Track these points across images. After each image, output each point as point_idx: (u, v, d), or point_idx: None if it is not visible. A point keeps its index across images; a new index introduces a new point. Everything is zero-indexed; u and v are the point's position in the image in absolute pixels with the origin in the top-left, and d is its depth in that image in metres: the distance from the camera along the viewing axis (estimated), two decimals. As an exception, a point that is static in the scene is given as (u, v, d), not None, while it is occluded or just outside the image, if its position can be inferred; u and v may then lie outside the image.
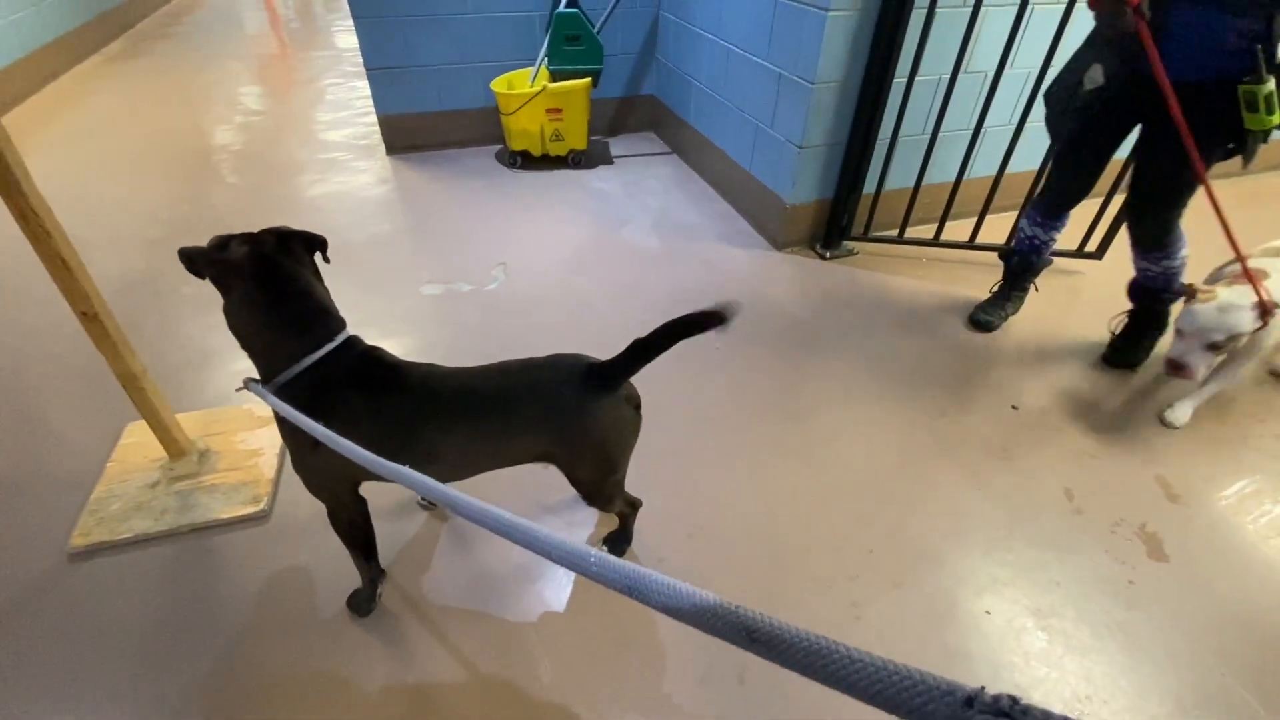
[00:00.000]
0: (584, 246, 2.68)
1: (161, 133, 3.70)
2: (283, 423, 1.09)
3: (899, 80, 2.24)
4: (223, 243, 1.04)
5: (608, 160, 3.44)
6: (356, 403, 1.04)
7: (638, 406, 1.16)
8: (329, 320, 1.08)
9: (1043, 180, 2.05)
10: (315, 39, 5.76)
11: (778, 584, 1.43)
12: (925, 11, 2.10)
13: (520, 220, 2.86)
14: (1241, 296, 1.60)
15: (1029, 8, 2.02)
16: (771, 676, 1.25)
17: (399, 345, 1.96)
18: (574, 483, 1.22)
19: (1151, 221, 1.80)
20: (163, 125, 3.81)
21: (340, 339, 1.07)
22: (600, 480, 1.22)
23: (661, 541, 1.48)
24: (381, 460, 0.74)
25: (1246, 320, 1.59)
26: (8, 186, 1.15)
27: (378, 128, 3.42)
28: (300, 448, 1.10)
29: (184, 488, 1.58)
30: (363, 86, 4.25)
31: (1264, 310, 1.59)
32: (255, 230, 1.07)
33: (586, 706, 1.21)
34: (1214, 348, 1.63)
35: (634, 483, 1.36)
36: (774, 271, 2.53)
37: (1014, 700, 0.32)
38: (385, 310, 2.26)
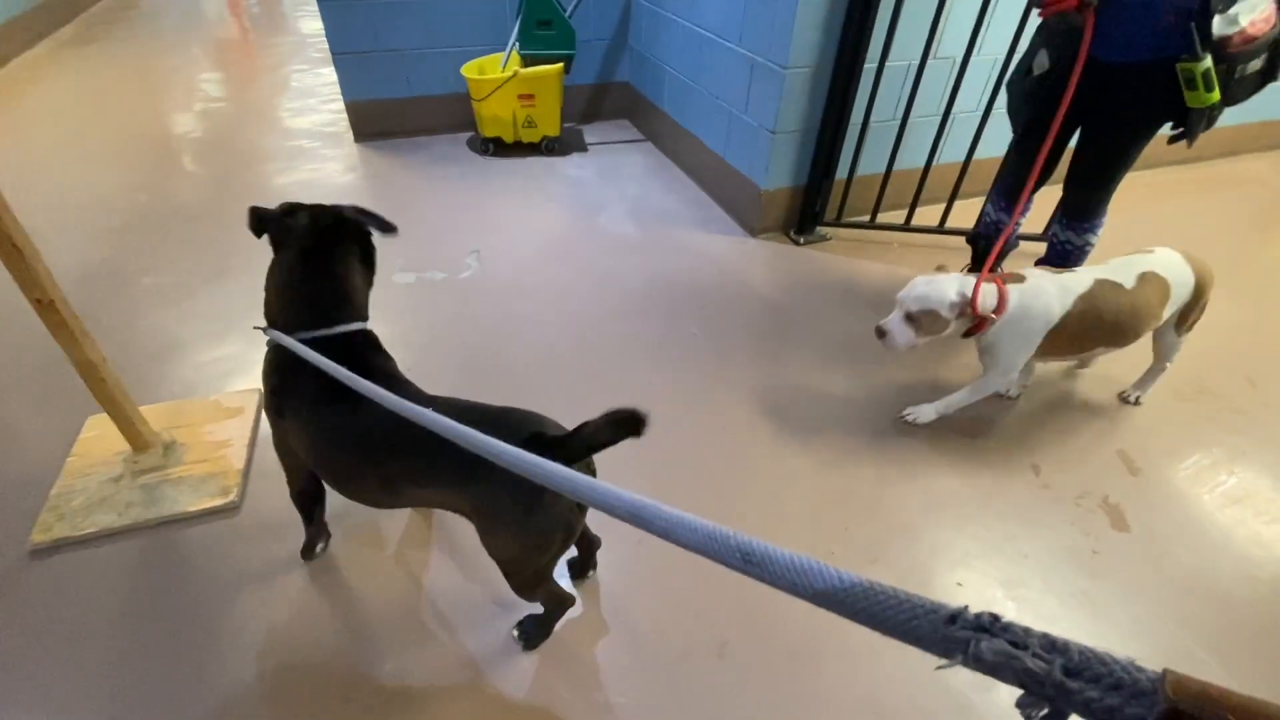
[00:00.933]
0: (559, 234, 2.66)
1: (117, 120, 3.57)
2: (266, 384, 1.12)
3: (869, 66, 2.26)
4: (292, 209, 1.13)
5: (582, 147, 3.41)
6: (315, 388, 1.03)
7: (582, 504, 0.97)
8: (342, 308, 1.11)
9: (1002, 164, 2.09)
10: (278, 24, 5.59)
11: (756, 563, 1.44)
12: (894, -3, 2.12)
13: (493, 208, 2.82)
14: (961, 284, 1.54)
15: (995, -6, 2.05)
16: (751, 647, 1.27)
17: (371, 333, 1.93)
18: (488, 551, 1.08)
19: (1100, 192, 1.85)
20: (119, 112, 3.68)
21: (343, 329, 1.09)
22: (512, 565, 1.08)
23: (640, 524, 1.49)
24: (398, 400, 0.78)
25: (944, 303, 1.52)
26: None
27: (345, 114, 3.35)
28: (269, 411, 1.14)
29: (150, 481, 1.54)
30: (328, 73, 4.14)
31: (973, 312, 1.53)
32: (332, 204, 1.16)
33: (569, 688, 1.21)
34: (911, 320, 1.57)
35: (615, 467, 1.35)
36: (749, 257, 2.55)
37: (995, 617, 0.33)
38: (356, 299, 2.22)
